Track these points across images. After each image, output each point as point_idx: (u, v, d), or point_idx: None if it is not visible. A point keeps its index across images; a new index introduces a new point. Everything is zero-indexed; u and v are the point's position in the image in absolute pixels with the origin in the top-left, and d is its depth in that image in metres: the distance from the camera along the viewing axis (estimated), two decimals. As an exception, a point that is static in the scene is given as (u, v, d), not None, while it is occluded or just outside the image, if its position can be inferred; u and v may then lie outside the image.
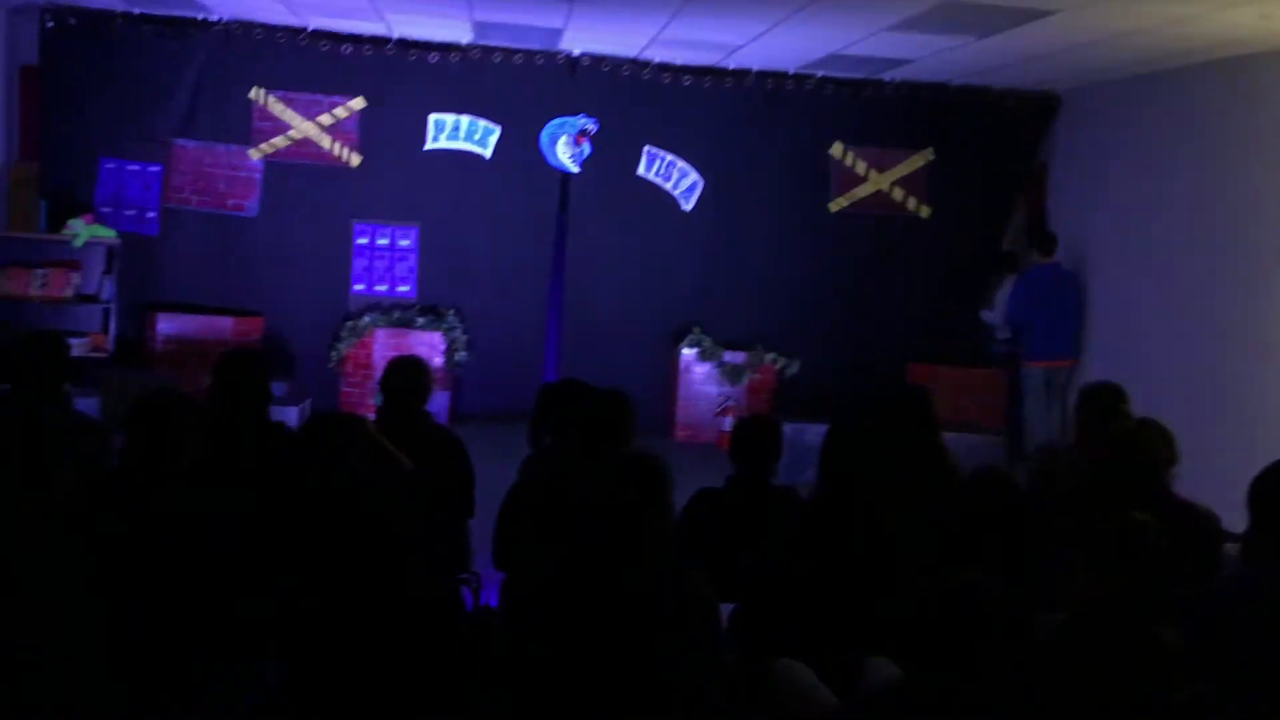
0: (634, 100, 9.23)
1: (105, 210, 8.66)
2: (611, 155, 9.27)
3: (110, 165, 8.73)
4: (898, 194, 9.66)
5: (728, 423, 9.01)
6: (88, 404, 5.98)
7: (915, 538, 3.48)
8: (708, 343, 9.28)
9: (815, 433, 7.65)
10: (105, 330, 8.48)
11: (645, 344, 9.44)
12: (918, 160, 9.64)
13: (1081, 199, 9.02)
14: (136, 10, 8.45)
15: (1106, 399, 4.60)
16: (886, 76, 9.24)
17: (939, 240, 9.62)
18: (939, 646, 2.33)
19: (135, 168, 8.77)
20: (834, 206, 9.60)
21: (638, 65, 9.16)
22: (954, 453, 4.61)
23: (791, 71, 9.26)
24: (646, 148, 9.35)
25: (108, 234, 8.45)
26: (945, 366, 8.98)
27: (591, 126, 9.16)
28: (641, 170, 9.38)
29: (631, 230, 9.41)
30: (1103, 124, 8.84)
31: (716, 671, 2.85)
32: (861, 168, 9.60)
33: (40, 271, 8.35)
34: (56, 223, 8.35)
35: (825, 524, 3.56)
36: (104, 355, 8.29)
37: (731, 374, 9.26)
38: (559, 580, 2.83)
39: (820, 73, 9.23)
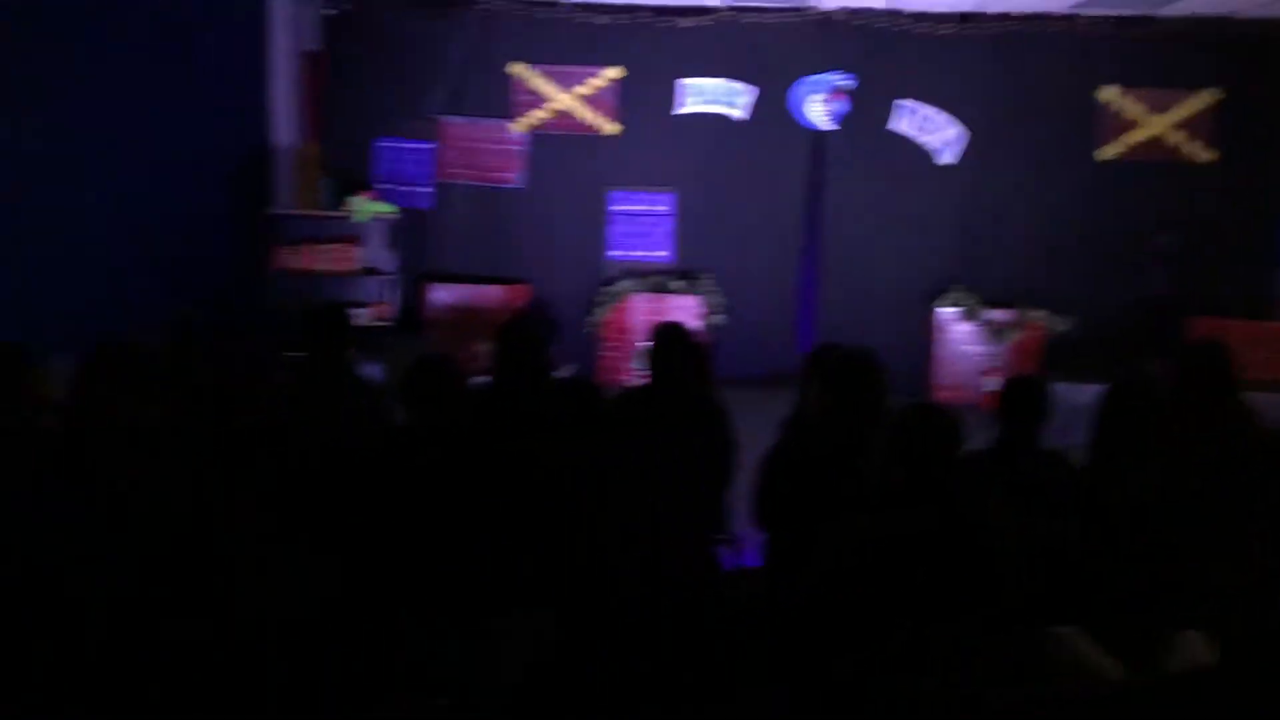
0: (887, 53, 8.99)
1: (383, 187, 9.21)
2: (864, 111, 9.08)
3: (386, 144, 9.26)
4: (1176, 139, 9.01)
5: (991, 384, 8.70)
6: (373, 369, 6.37)
7: (1209, 503, 3.26)
8: (970, 301, 8.98)
9: (1087, 394, 7.31)
10: (388, 300, 9.03)
11: (902, 304, 9.22)
12: (1200, 101, 8.96)
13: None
14: (408, -6, 8.94)
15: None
16: (1163, 12, 8.61)
17: (1224, 188, 8.92)
18: None
19: (410, 145, 9.28)
20: (1103, 155, 9.07)
21: (891, 16, 8.92)
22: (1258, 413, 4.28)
23: (1058, 12, 8.78)
24: (905, 101, 9.10)
25: (387, 209, 9.00)
26: (1238, 320, 8.33)
27: (847, 83, 8.99)
28: (899, 125, 9.14)
29: (886, 187, 9.20)
30: None
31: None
32: (1135, 112, 9.01)
33: (328, 246, 8.97)
34: (340, 201, 8.95)
35: (1102, 489, 3.38)
36: (388, 324, 8.83)
37: (995, 333, 8.93)
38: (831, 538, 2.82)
39: (1089, 11, 8.71)
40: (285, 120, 9.28)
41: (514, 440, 3.81)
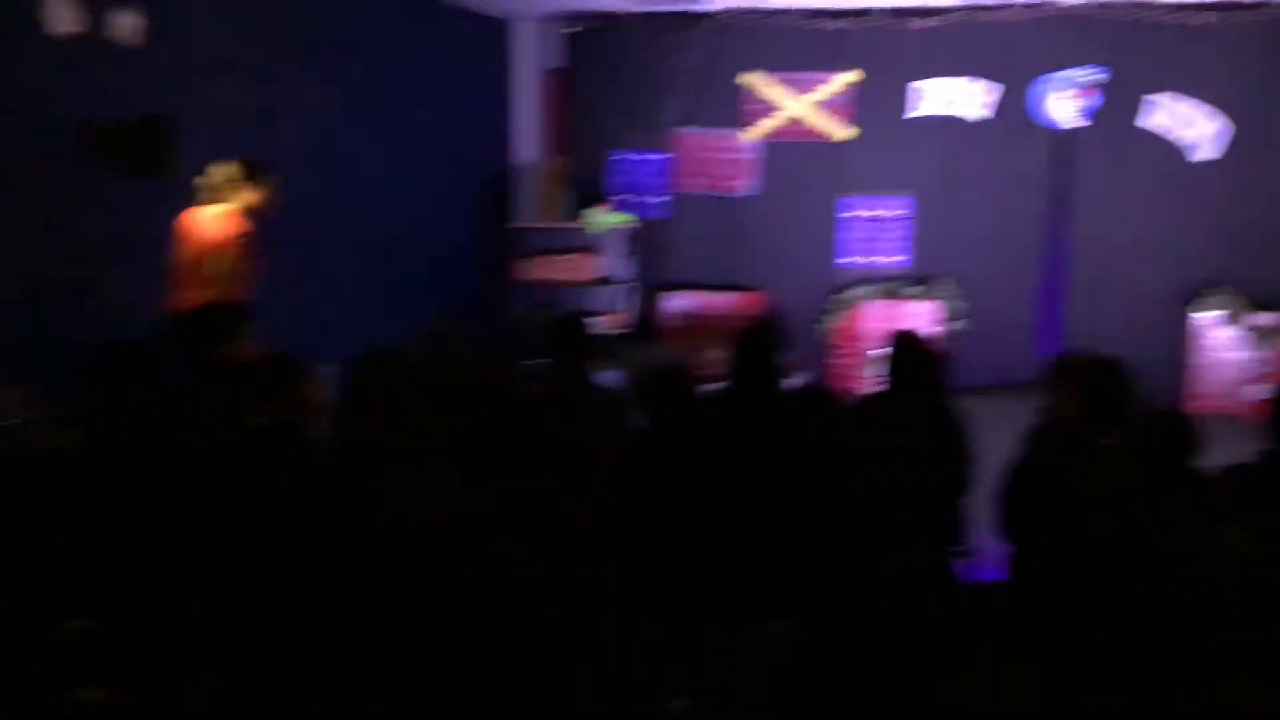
0: (1135, 46, 8.54)
1: (620, 198, 9.44)
2: (1119, 107, 8.65)
3: (623, 157, 9.49)
4: None
5: (1256, 392, 8.13)
6: (610, 376, 6.54)
7: None
8: (1234, 303, 8.42)
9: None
10: (624, 309, 9.25)
11: (1154, 308, 8.73)
12: None
13: None
14: (644, 10, 9.13)
15: None
16: None
17: None
18: None
19: (645, 157, 9.47)
20: (1387, 144, 8.33)
21: (1139, 8, 8.47)
22: None
23: (1332, -6, 8.15)
24: (1159, 95, 8.63)
25: (624, 220, 9.23)
26: None
27: (1097, 77, 8.60)
28: (1153, 120, 8.67)
29: (1135, 186, 8.73)
30: None
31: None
32: None
33: (567, 257, 9.27)
34: (579, 213, 9.25)
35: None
36: (623, 332, 9.05)
37: (1262, 338, 8.34)
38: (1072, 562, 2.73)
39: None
40: (528, 136, 9.68)
41: (751, 446, 3.86)
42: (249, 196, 5.82)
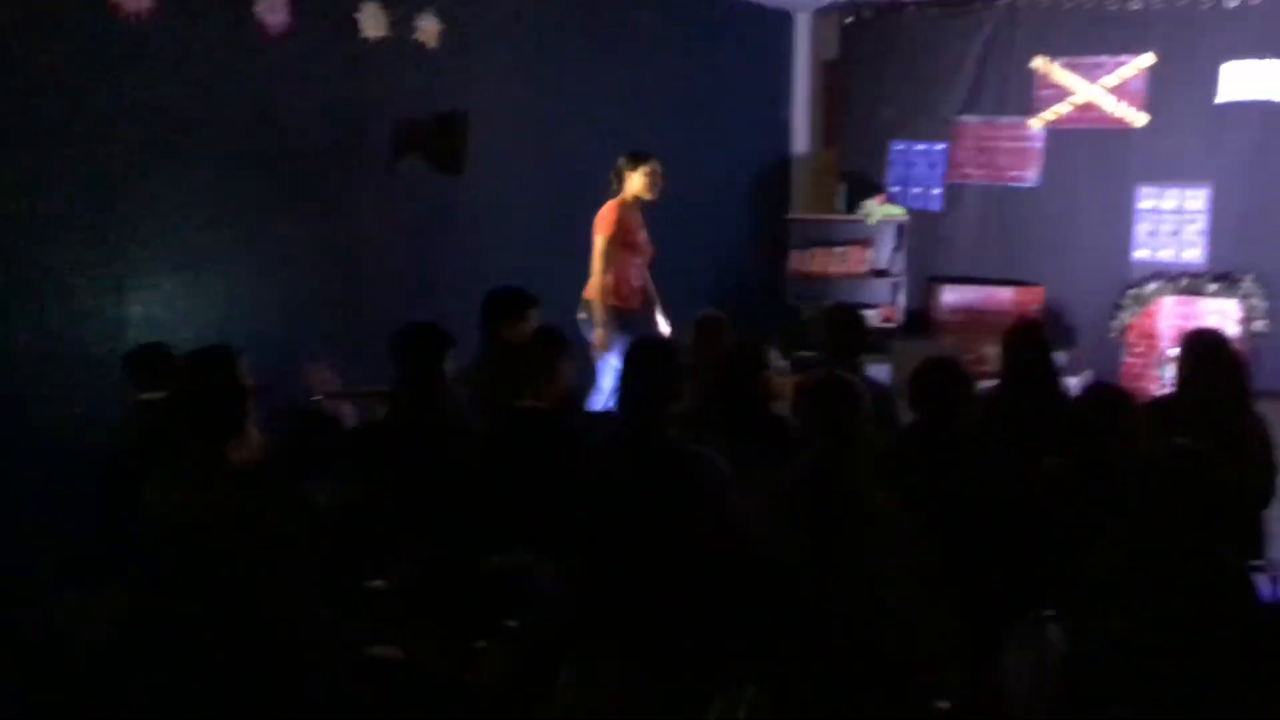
0: None
1: (895, 190, 9.29)
2: None
3: (900, 147, 9.33)
4: None
5: None
6: (879, 370, 6.46)
7: None
8: None
9: None
10: (895, 302, 9.11)
11: None
12: None
13: None
14: (926, -3, 8.96)
15: None
16: None
17: None
18: None
19: (922, 148, 9.27)
20: None
21: None
22: None
23: None
24: None
25: (898, 212, 9.07)
26: None
27: None
28: None
29: None
30: None
31: None
32: None
33: (839, 249, 9.22)
34: (854, 205, 9.16)
35: None
36: (894, 325, 8.91)
37: None
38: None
39: None
40: (805, 128, 9.67)
41: (1023, 446, 3.75)
42: (634, 186, 6.27)
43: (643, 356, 3.29)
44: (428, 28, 6.12)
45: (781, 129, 9.67)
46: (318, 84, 5.61)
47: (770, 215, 9.40)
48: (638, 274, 6.37)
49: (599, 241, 6.17)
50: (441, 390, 3.93)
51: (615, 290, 6.22)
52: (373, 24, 5.82)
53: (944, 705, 3.03)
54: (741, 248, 9.17)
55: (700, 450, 3.19)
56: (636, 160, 6.30)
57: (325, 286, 5.76)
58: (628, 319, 6.22)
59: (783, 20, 9.49)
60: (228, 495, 2.94)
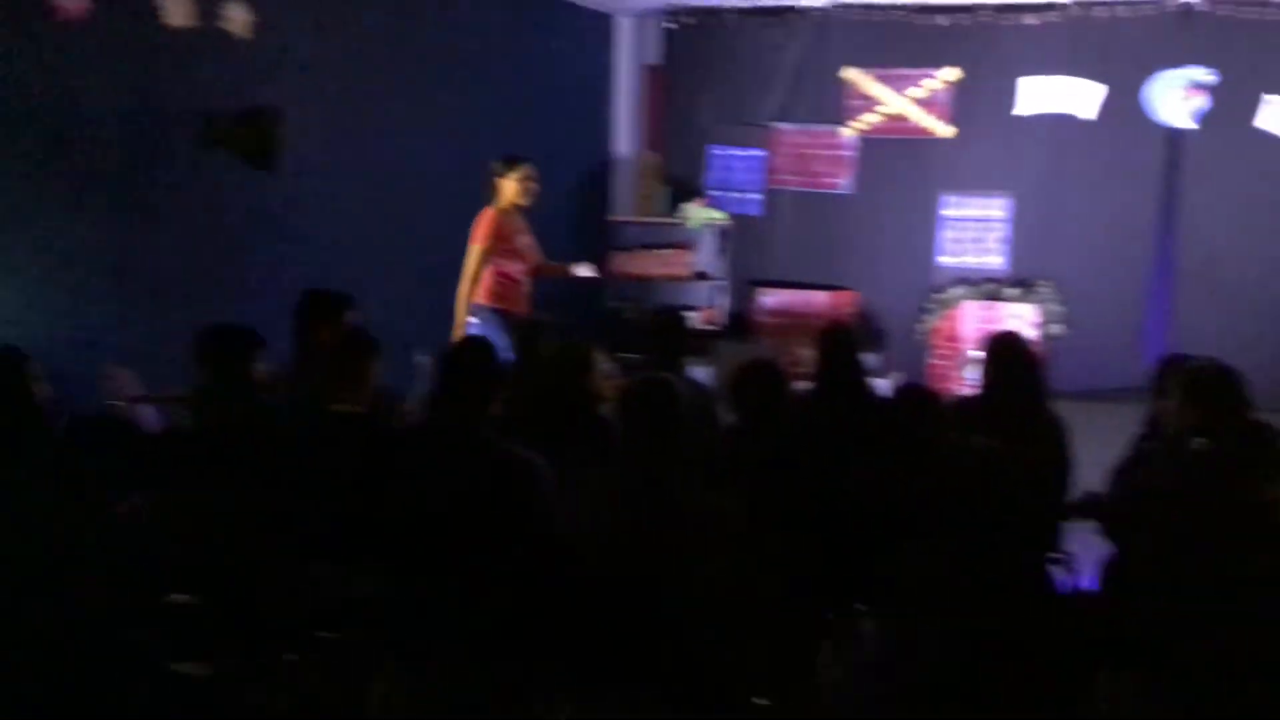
0: (1253, 45, 8.25)
1: (715, 194, 9.43)
2: (1231, 108, 8.38)
3: (719, 152, 9.48)
4: None
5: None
6: (702, 372, 6.54)
7: None
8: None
9: None
10: (717, 305, 9.24)
11: (1272, 311, 8.45)
12: None
13: None
14: (746, 5, 9.11)
15: None
16: None
17: None
18: None
19: (741, 153, 9.45)
20: None
21: (1261, 6, 8.20)
22: None
23: None
24: (1269, 96, 8.33)
25: (719, 216, 9.21)
26: None
27: (1209, 78, 8.35)
28: (1261, 122, 8.38)
29: (1250, 187, 8.44)
30: None
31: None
32: None
33: (661, 252, 9.30)
34: (674, 208, 9.26)
35: None
36: (716, 328, 9.04)
37: (1378, 350, 8.01)
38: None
39: None
40: (627, 131, 9.72)
41: (838, 445, 3.84)
42: (507, 192, 6.27)
43: (460, 358, 3.22)
44: (237, 17, 5.87)
45: (604, 131, 9.69)
46: (117, 74, 5.31)
47: (593, 217, 9.42)
48: (524, 278, 6.38)
49: (473, 251, 6.14)
50: (251, 394, 3.77)
51: (499, 294, 6.22)
52: (177, 11, 5.54)
53: (762, 702, 3.07)
54: (565, 249, 9.13)
55: (520, 452, 3.14)
56: (509, 165, 6.30)
57: (126, 286, 5.46)
58: (513, 322, 6.16)
59: (604, 23, 9.52)
60: (17, 505, 2.75)
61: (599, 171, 9.67)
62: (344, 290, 4.77)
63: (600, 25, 9.49)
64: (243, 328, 3.87)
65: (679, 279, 9.31)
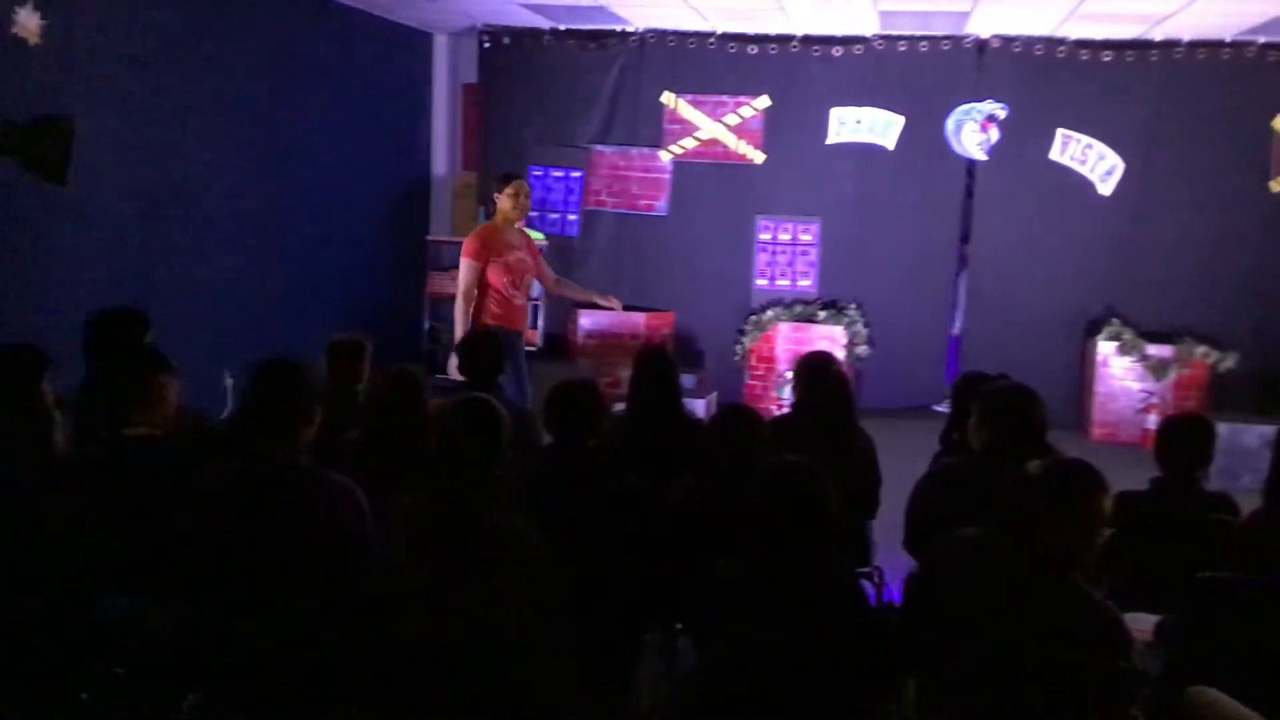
0: (1047, 81, 8.79)
1: (533, 214, 9.40)
2: (1022, 140, 8.89)
3: (538, 172, 9.47)
4: (1355, 169, 8.58)
5: (1151, 421, 8.38)
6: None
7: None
8: (1128, 335, 8.67)
9: (1255, 435, 7.02)
10: (535, 325, 9.20)
11: (1057, 337, 8.98)
12: (1378, 131, 8.52)
13: None
14: (563, 27, 9.14)
15: None
16: (1343, 38, 8.24)
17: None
18: None
19: (559, 174, 9.47)
20: (1277, 186, 8.68)
21: (1051, 44, 8.73)
22: None
23: (1228, 39, 8.47)
24: (1061, 130, 8.88)
25: (536, 237, 9.15)
26: None
27: (1001, 111, 8.83)
28: (1055, 154, 8.92)
29: (1043, 218, 8.96)
30: None
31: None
32: (1311, 142, 8.61)
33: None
34: (492, 227, 9.18)
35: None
36: (534, 348, 9.00)
37: (1156, 369, 8.60)
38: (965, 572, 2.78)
39: (1261, 39, 8.38)
40: (444, 150, 9.62)
41: (653, 465, 3.87)
42: (502, 208, 6.35)
43: (269, 379, 3.08)
44: (27, 23, 5.52)
45: (422, 149, 9.57)
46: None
47: (410, 236, 9.27)
48: (518, 293, 6.39)
49: (461, 265, 6.26)
50: (38, 417, 3.53)
51: (495, 312, 6.25)
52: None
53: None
54: (380, 269, 8.98)
55: (335, 478, 3.04)
56: (502, 182, 6.41)
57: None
58: (512, 338, 6.21)
59: (422, 40, 9.42)
60: None
61: (417, 190, 9.54)
62: (139, 308, 4.53)
63: (418, 42, 9.38)
64: (28, 346, 3.62)
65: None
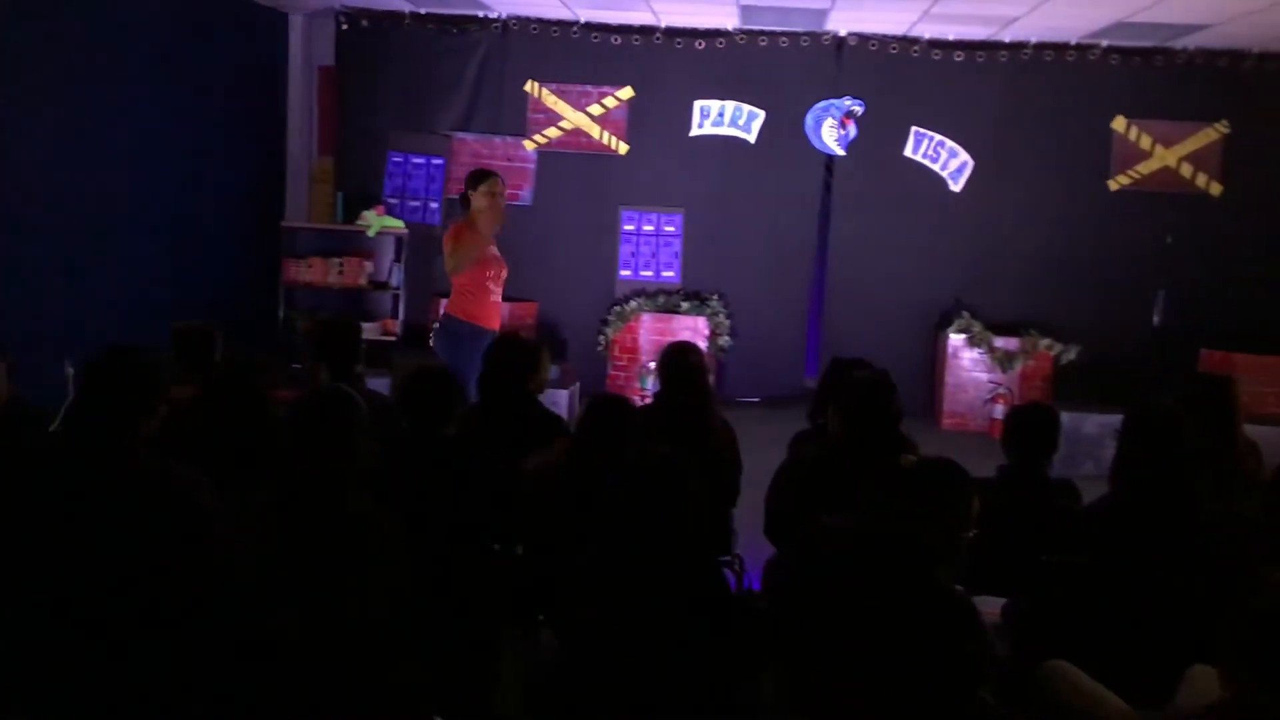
0: (902, 80, 9.02)
1: (393, 201, 9.24)
2: (878, 136, 9.10)
3: (398, 159, 9.30)
4: (1186, 170, 9.04)
5: (998, 411, 8.69)
6: (380, 383, 6.38)
7: (1220, 538, 3.23)
8: (977, 328, 8.97)
9: (1095, 423, 7.33)
10: (395, 315, 9.05)
11: (910, 328, 9.24)
12: (1210, 135, 8.99)
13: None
14: (423, 10, 8.98)
15: None
16: (1178, 45, 8.66)
17: (1233, 221, 8.94)
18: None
19: (420, 160, 9.31)
20: (1114, 184, 9.09)
21: (906, 43, 8.96)
22: (1257, 446, 4.30)
23: (1073, 42, 8.83)
24: (914, 128, 9.12)
25: (396, 224, 9.02)
26: (1242, 354, 8.32)
27: (858, 108, 9.03)
28: (909, 151, 9.16)
29: (897, 212, 9.20)
30: None
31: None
32: (1146, 143, 9.04)
33: (337, 260, 9.00)
34: (351, 214, 8.99)
35: (1122, 521, 3.35)
36: (394, 338, 8.85)
37: (1003, 360, 8.92)
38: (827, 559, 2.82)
39: (1104, 42, 8.76)
40: (300, 134, 9.35)
41: (508, 455, 3.84)
42: (477, 207, 6.18)
43: (104, 369, 2.92)
44: None
45: (277, 133, 9.29)
46: None
47: (265, 222, 8.99)
48: (495, 290, 6.31)
49: (447, 263, 6.15)
50: None
51: (468, 310, 6.10)
52: None
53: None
54: (234, 255, 8.68)
55: (176, 470, 2.90)
56: (476, 180, 6.27)
57: None
58: (486, 337, 5.95)
59: (277, 21, 9.13)
60: None
61: (271, 175, 9.26)
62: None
63: (273, 22, 9.09)
64: None
65: (356, 287, 9.05)
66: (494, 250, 6.38)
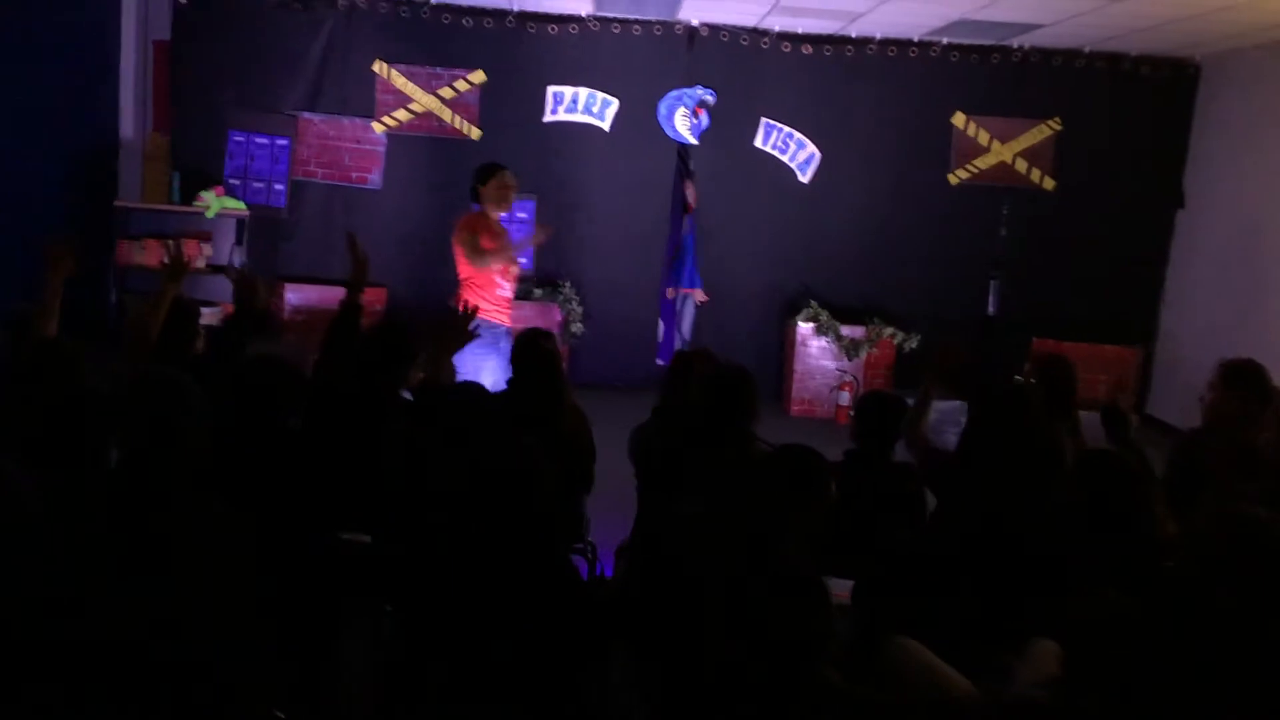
0: (752, 71, 9.14)
1: (234, 182, 8.92)
2: (729, 127, 9.20)
3: (239, 138, 8.97)
4: (1021, 165, 9.40)
5: (844, 398, 8.90)
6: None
7: (1038, 522, 3.36)
8: (824, 316, 9.17)
9: (933, 410, 7.55)
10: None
11: (760, 316, 9.39)
12: (1043, 131, 9.36)
13: (1222, 171, 8.67)
14: (264, -16, 8.68)
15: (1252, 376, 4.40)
16: (1014, 43, 8.99)
17: (1064, 214, 9.35)
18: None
19: (263, 141, 9.00)
20: (954, 178, 9.40)
21: (757, 35, 9.07)
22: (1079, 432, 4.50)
23: (915, 39, 9.08)
24: (764, 119, 9.25)
25: (237, 206, 8.70)
26: (1072, 343, 8.71)
27: (709, 98, 9.10)
28: (759, 142, 9.29)
29: (748, 202, 9.33)
30: (1245, 93, 8.46)
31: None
32: (984, 138, 9.37)
33: (173, 243, 8.61)
34: (188, 195, 8.63)
35: (957, 501, 3.47)
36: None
37: (849, 348, 9.14)
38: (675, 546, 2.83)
39: (945, 39, 9.03)
40: (133, 110, 8.92)
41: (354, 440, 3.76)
42: (488, 200, 6.26)
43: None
44: None
45: (108, 109, 8.84)
46: None
47: (96, 202, 8.56)
48: (507, 285, 6.30)
49: (459, 254, 6.26)
50: None
51: (482, 305, 5.83)
52: None
53: (280, 716, 2.93)
54: (62, 236, 8.22)
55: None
56: (485, 174, 6.23)
57: None
58: (500, 333, 6.06)
59: (107, -9, 8.69)
60: None
61: (103, 153, 8.82)
62: None
63: (102, -7, 8.65)
64: None
65: (194, 271, 8.69)
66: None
